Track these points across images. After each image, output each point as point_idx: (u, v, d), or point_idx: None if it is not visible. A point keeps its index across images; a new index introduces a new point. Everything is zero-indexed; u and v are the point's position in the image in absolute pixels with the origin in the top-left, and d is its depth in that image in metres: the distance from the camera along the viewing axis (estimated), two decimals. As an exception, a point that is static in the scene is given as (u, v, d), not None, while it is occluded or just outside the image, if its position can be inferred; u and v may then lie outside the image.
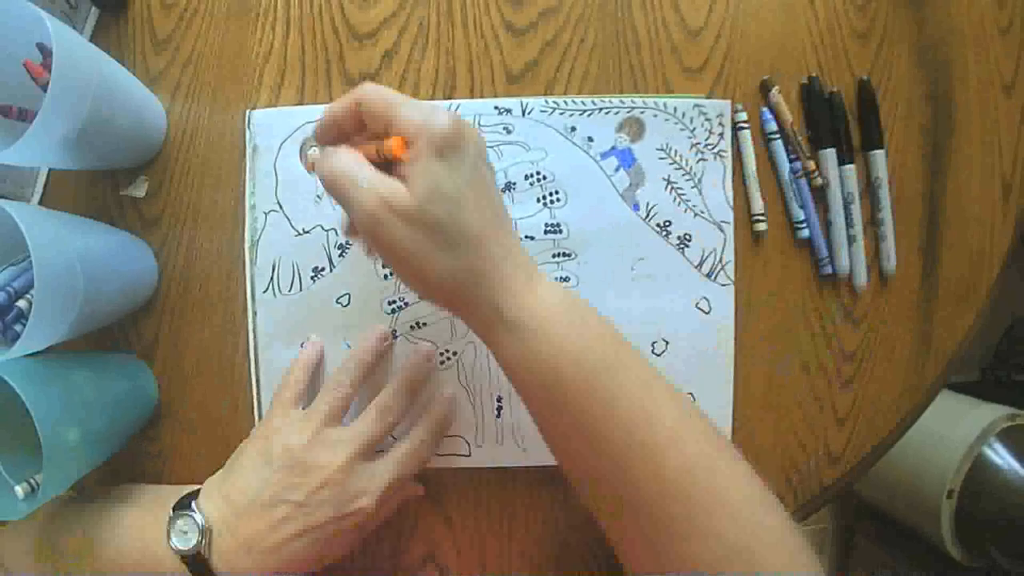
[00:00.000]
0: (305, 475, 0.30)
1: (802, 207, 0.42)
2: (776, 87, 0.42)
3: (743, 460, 0.29)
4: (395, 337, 0.41)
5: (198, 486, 0.35)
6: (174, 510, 0.32)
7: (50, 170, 0.43)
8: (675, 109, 0.41)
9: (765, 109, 0.42)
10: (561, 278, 0.41)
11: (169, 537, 0.31)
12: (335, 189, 0.28)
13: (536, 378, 0.28)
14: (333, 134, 0.30)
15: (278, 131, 0.42)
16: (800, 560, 0.27)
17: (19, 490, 0.34)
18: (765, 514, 0.27)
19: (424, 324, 0.41)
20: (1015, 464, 0.86)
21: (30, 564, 0.34)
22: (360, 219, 0.27)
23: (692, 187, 0.41)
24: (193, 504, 0.32)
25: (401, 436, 0.36)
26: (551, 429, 0.30)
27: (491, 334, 0.28)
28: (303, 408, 0.35)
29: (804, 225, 0.42)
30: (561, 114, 0.41)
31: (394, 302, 0.41)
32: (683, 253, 0.41)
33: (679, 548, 0.27)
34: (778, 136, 0.42)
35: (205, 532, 0.30)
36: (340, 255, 0.41)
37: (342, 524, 0.31)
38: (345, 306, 0.42)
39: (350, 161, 0.27)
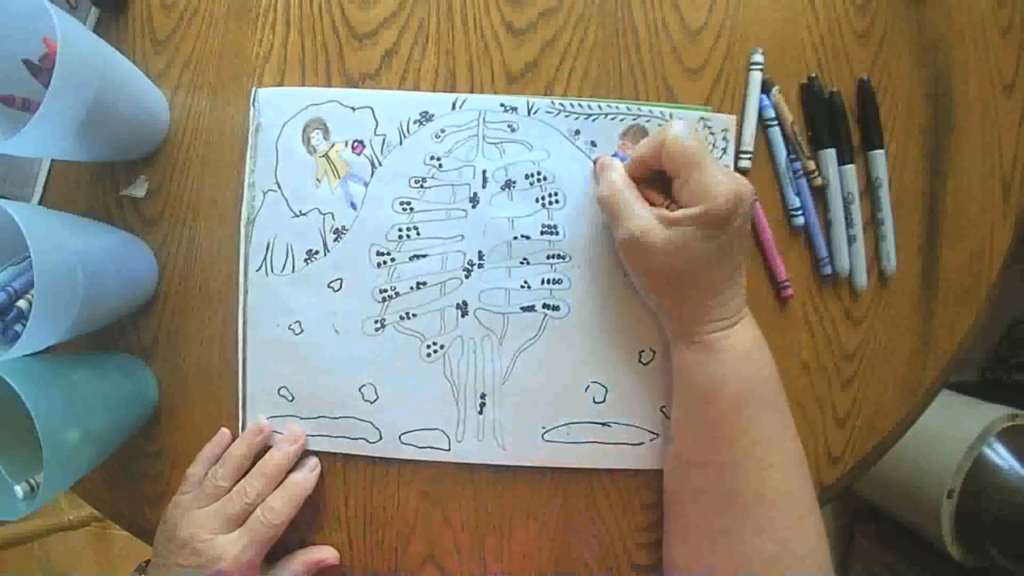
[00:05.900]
0: (181, 547, 0.38)
1: (798, 194, 0.42)
2: (776, 87, 0.42)
3: (817, 509, 0.36)
4: (384, 327, 0.42)
5: None
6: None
7: (50, 170, 0.43)
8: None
9: (763, 96, 0.42)
10: (554, 280, 0.41)
11: None
12: (608, 206, 0.37)
13: (701, 387, 0.36)
14: (641, 170, 0.37)
15: (282, 111, 0.42)
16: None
17: (19, 490, 0.34)
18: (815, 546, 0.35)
19: (413, 315, 0.41)
20: (1015, 464, 0.86)
21: None
22: (619, 235, 0.37)
23: None
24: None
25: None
26: (690, 419, 0.38)
27: (682, 343, 0.37)
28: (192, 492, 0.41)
29: (800, 212, 0.42)
30: (566, 116, 0.41)
31: (385, 291, 0.41)
32: None
33: (737, 541, 0.35)
34: (775, 123, 0.41)
35: None
36: (335, 240, 0.41)
37: None
38: (336, 291, 0.42)
39: (625, 189, 0.37)
